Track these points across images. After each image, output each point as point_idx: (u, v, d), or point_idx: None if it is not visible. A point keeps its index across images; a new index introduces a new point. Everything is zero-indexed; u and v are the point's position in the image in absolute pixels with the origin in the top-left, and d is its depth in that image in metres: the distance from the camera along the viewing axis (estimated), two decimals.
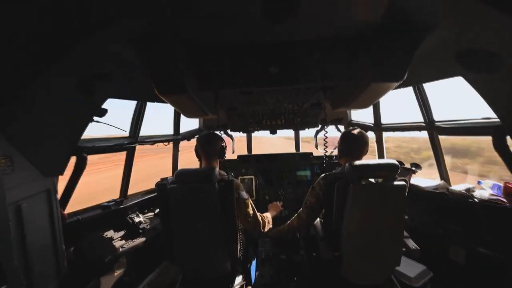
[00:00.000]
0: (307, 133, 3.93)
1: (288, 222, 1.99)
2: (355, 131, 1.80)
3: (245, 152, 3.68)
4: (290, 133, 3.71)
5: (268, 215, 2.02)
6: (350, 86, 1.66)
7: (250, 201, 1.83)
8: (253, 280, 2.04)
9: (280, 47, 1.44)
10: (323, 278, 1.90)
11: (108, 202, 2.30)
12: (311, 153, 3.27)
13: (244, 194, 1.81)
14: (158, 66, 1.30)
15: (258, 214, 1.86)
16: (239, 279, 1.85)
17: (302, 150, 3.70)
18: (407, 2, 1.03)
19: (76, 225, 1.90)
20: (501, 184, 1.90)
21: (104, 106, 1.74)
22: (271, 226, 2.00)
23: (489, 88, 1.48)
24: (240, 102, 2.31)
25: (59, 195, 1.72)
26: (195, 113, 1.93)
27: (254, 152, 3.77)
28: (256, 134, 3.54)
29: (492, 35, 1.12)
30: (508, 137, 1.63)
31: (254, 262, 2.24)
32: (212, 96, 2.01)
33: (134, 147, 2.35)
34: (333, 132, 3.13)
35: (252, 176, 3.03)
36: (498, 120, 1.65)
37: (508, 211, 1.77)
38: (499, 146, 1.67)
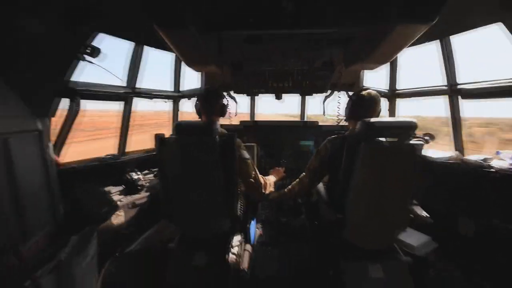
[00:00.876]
0: (312, 110, 3.76)
1: (289, 186, 1.91)
2: (365, 92, 1.67)
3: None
4: (295, 110, 3.54)
5: (270, 178, 1.95)
6: (372, 33, 1.47)
7: (251, 162, 1.74)
8: (252, 240, 2.00)
9: None
10: (324, 241, 1.86)
11: (106, 155, 2.23)
12: (317, 122, 3.13)
13: (245, 153, 1.71)
14: None
15: (260, 176, 1.78)
16: (238, 237, 1.81)
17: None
18: None
19: (71, 174, 1.84)
20: None
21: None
22: (272, 189, 1.93)
23: None
24: (245, 56, 2.13)
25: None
26: (197, 60, 1.77)
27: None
28: (260, 111, 3.38)
29: None
30: None
31: (253, 222, 2.20)
32: (216, 43, 1.83)
33: (132, 98, 2.22)
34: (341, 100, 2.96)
35: (254, 144, 2.92)
36: None
37: None
38: None
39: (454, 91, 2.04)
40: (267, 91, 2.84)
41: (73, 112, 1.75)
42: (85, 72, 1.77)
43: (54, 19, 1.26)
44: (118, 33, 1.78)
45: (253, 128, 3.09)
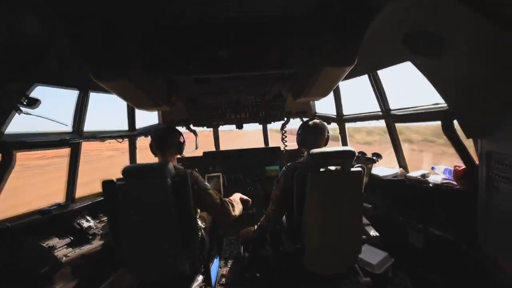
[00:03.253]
0: (278, 125, 3.88)
1: (258, 223, 1.93)
2: (311, 122, 1.83)
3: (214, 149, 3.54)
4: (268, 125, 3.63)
5: (235, 198, 1.95)
6: (306, 73, 1.63)
7: (213, 190, 1.73)
8: (213, 281, 1.92)
9: (231, 29, 1.36)
10: (287, 272, 1.85)
11: (50, 206, 2.05)
12: (279, 148, 3.23)
13: (206, 184, 1.71)
14: (92, 46, 1.13)
15: (224, 200, 1.77)
16: (198, 280, 1.73)
17: (273, 141, 3.66)
18: None
19: (5, 233, 1.65)
20: (451, 168, 1.98)
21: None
22: (241, 207, 1.93)
23: (436, 73, 1.52)
24: (198, 92, 2.19)
25: None
26: (145, 103, 1.77)
27: (230, 146, 3.64)
28: (228, 128, 3.41)
29: (438, 17, 1.13)
30: (455, 122, 1.70)
31: (216, 261, 2.13)
32: (164, 84, 1.86)
33: (79, 143, 2.11)
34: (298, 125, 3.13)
35: (220, 173, 2.91)
36: (445, 105, 1.72)
37: (457, 193, 1.85)
38: (447, 130, 1.74)
39: (388, 116, 2.27)
40: (226, 123, 2.90)
41: (5, 167, 1.61)
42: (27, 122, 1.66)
43: None
44: (59, 82, 1.73)
45: (217, 158, 3.08)
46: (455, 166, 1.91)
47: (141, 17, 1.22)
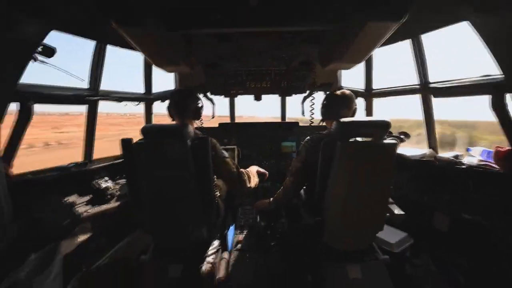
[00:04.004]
0: (293, 113, 3.73)
1: (275, 195, 1.88)
2: (339, 92, 1.69)
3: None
4: (278, 113, 3.50)
5: (251, 170, 1.91)
6: (343, 32, 1.45)
7: (230, 159, 1.68)
8: (229, 246, 1.93)
9: None
10: (304, 245, 1.82)
11: (68, 164, 2.05)
12: (297, 123, 3.11)
13: (223, 152, 1.65)
14: None
15: (241, 170, 1.72)
16: (215, 245, 1.73)
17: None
18: None
19: (26, 186, 1.66)
20: (491, 150, 1.82)
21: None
22: (257, 180, 1.89)
23: (497, 37, 1.32)
24: (218, 55, 2.04)
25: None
26: (165, 60, 1.66)
27: None
28: (245, 113, 3.31)
29: None
30: (508, 96, 1.52)
31: (232, 228, 2.13)
32: (184, 42, 1.73)
33: (96, 101, 2.05)
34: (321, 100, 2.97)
35: (235, 146, 2.85)
36: (498, 77, 1.52)
37: (496, 175, 1.71)
38: (498, 105, 1.55)
39: (426, 90, 2.07)
40: (245, 92, 2.77)
41: (23, 119, 1.58)
42: (41, 76, 1.61)
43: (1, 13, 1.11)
44: (76, 31, 1.62)
45: (232, 130, 3.01)
46: (497, 147, 1.74)
47: None
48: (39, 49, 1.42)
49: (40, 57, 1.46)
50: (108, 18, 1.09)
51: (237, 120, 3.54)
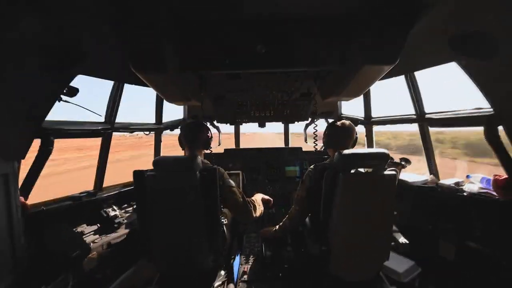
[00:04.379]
0: (298, 129, 3.83)
1: (280, 224, 1.91)
2: (339, 122, 1.78)
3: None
4: (281, 129, 3.62)
5: (257, 198, 1.95)
6: (342, 72, 1.58)
7: (237, 188, 1.74)
8: (235, 277, 1.92)
9: (268, 25, 1.34)
10: (310, 275, 1.81)
11: (80, 193, 2.12)
12: (300, 148, 3.19)
13: (230, 182, 1.71)
14: (134, 40, 1.17)
15: (247, 199, 1.77)
16: (221, 276, 1.73)
17: (292, 145, 3.62)
18: None
19: (40, 216, 1.72)
20: (490, 178, 1.87)
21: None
22: (262, 208, 1.92)
23: (483, 75, 1.43)
24: (227, 89, 2.19)
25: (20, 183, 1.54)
26: (178, 97, 1.79)
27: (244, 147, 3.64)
28: (248, 130, 3.44)
29: (486, 18, 1.07)
30: (500, 128, 1.60)
31: (237, 258, 2.12)
32: (197, 81, 1.88)
33: (110, 133, 2.17)
34: (322, 127, 3.07)
35: (239, 171, 2.91)
36: (490, 110, 1.62)
37: (497, 203, 1.74)
38: (491, 136, 1.64)
39: (422, 120, 2.17)
40: (250, 120, 2.90)
41: (44, 153, 1.68)
42: (61, 110, 1.74)
43: (35, 62, 1.25)
44: (98, 74, 1.79)
45: (237, 156, 3.09)
46: (495, 175, 1.79)
47: (180, 14, 1.24)
48: (64, 90, 1.56)
49: (63, 97, 1.60)
50: (131, 65, 1.23)
51: (240, 137, 3.64)
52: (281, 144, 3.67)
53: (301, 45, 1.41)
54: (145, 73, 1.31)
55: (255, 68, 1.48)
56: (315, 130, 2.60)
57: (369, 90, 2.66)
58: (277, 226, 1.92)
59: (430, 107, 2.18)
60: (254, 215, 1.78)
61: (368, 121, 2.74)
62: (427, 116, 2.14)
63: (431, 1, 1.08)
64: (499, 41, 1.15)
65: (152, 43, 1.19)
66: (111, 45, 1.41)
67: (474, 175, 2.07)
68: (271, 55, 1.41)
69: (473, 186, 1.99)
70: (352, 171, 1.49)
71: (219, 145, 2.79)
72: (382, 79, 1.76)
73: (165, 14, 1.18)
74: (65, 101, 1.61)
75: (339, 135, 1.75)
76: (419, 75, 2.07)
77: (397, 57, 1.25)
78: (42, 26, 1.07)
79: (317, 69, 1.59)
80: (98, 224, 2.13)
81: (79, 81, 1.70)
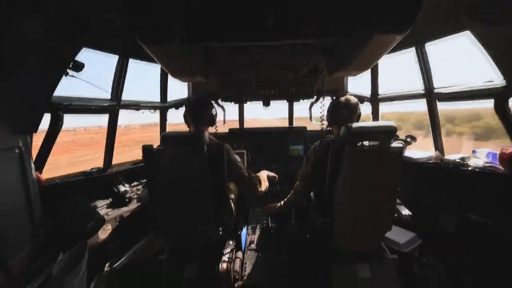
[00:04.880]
0: (301, 113, 3.80)
1: (285, 199, 1.95)
2: (343, 98, 1.76)
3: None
4: (285, 113, 3.59)
5: (262, 174, 2.00)
6: (350, 44, 1.54)
7: (242, 164, 1.77)
8: (243, 246, 2.01)
9: None
10: (314, 245, 1.89)
11: (91, 169, 2.18)
12: (305, 128, 3.19)
13: (236, 157, 1.75)
14: (139, 11, 1.15)
15: (252, 175, 1.82)
16: (229, 245, 1.81)
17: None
18: None
19: (54, 190, 1.79)
20: (497, 152, 1.87)
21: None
22: (267, 184, 1.97)
23: (497, 45, 1.39)
24: (232, 65, 2.16)
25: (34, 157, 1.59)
26: (183, 72, 1.78)
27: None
28: (249, 116, 3.42)
29: None
30: (510, 101, 1.58)
31: (244, 229, 2.21)
32: (202, 56, 1.85)
33: (117, 110, 2.19)
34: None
35: (244, 151, 2.94)
36: (500, 84, 1.59)
37: (501, 176, 1.75)
38: (501, 109, 1.62)
39: (431, 95, 2.14)
40: (254, 99, 2.88)
41: (55, 127, 1.71)
42: (68, 86, 1.75)
43: (41, 32, 1.24)
44: (103, 47, 1.77)
45: (242, 136, 3.11)
46: (502, 149, 1.79)
47: None
48: (70, 64, 1.56)
49: (70, 72, 1.60)
50: (137, 37, 1.21)
51: (247, 123, 3.65)
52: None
53: (310, 15, 1.37)
54: (151, 45, 1.29)
55: (262, 40, 1.44)
56: (322, 110, 2.58)
57: (376, 65, 2.60)
58: (282, 202, 1.98)
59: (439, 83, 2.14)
60: (260, 190, 1.83)
61: (375, 98, 2.70)
62: (435, 91, 2.10)
63: None
64: None
65: (158, 14, 1.17)
66: (116, 17, 1.39)
67: (480, 150, 2.07)
68: (279, 26, 1.37)
69: (478, 160, 1.99)
70: (358, 144, 1.50)
71: (224, 123, 2.80)
72: (391, 51, 1.72)
73: None
74: (72, 76, 1.61)
75: (344, 110, 1.74)
76: (429, 49, 2.00)
77: (410, 25, 1.20)
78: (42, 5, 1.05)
79: (327, 40, 1.54)
80: (110, 199, 2.22)
81: (85, 57, 1.69)
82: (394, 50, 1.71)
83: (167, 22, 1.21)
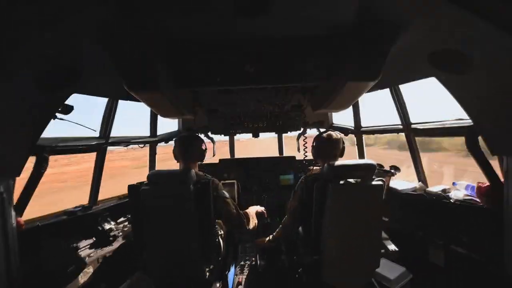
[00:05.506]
0: (294, 132, 3.89)
1: (274, 233, 1.95)
2: (325, 134, 1.84)
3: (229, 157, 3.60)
4: (274, 135, 3.67)
5: (250, 211, 1.98)
6: (328, 86, 1.65)
7: (231, 200, 1.77)
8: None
9: (257, 45, 1.41)
10: (304, 283, 1.84)
11: (75, 207, 2.13)
12: (294, 157, 3.25)
13: (224, 193, 1.75)
14: (127, 60, 1.22)
15: (241, 212, 1.81)
16: (216, 286, 1.75)
17: (289, 148, 3.69)
18: (377, 2, 1.03)
19: (35, 233, 1.73)
20: (474, 185, 1.94)
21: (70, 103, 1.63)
22: (256, 221, 1.95)
23: (461, 89, 1.52)
24: (219, 102, 2.25)
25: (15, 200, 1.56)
26: (171, 112, 1.84)
27: (243, 154, 3.70)
28: (243, 136, 3.48)
29: (462, 35, 1.14)
30: (480, 138, 1.68)
31: (232, 269, 2.14)
32: (189, 95, 1.94)
33: (105, 148, 2.21)
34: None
35: (234, 181, 2.95)
36: (469, 122, 1.70)
37: (481, 210, 1.81)
38: (472, 146, 1.72)
39: (408, 130, 2.26)
40: (243, 131, 2.96)
41: (39, 169, 1.71)
42: (56, 127, 1.77)
43: (30, 82, 1.28)
44: (94, 93, 1.84)
45: (232, 165, 3.14)
46: (479, 183, 1.87)
47: (170, 36, 1.29)
48: (59, 108, 1.60)
49: (59, 115, 1.64)
50: (125, 84, 1.27)
51: (241, 143, 3.68)
52: (276, 149, 3.73)
53: (288, 64, 1.48)
54: (138, 91, 1.36)
55: (245, 85, 1.54)
56: (304, 142, 2.68)
57: (357, 101, 2.75)
58: (271, 236, 1.96)
59: (416, 116, 2.27)
60: (248, 228, 1.81)
61: (358, 131, 2.82)
62: (412, 126, 2.22)
63: (409, 20, 1.15)
64: (474, 58, 1.23)
65: (144, 63, 1.24)
66: (105, 65, 1.46)
67: (459, 182, 2.15)
68: (260, 72, 1.48)
69: (458, 192, 2.06)
70: (341, 182, 1.55)
71: (213, 155, 2.83)
72: (369, 91, 1.85)
73: (157, 35, 1.23)
74: (61, 119, 1.64)
75: (326, 147, 1.82)
76: (405, 87, 2.16)
77: (379, 74, 1.32)
78: (35, 47, 1.11)
79: (303, 85, 1.66)
80: (94, 238, 2.14)
81: (74, 98, 1.73)
82: (370, 90, 1.85)
83: (152, 71, 1.28)
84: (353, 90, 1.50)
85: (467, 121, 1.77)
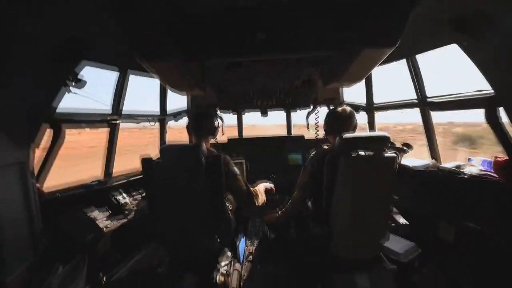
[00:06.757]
0: (299, 120, 3.84)
1: (283, 209, 1.97)
2: (339, 109, 1.80)
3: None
4: (284, 120, 3.63)
5: (259, 187, 2.00)
6: (342, 56, 1.59)
7: (241, 177, 1.79)
8: (241, 258, 2.01)
9: (268, 11, 1.35)
10: (313, 255, 1.89)
11: (92, 182, 2.21)
12: (303, 136, 3.23)
13: (236, 170, 1.77)
14: (137, 31, 1.21)
15: (250, 188, 1.83)
16: (227, 256, 1.82)
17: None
18: None
19: (55, 203, 1.82)
20: (491, 160, 1.89)
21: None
22: (264, 198, 1.98)
23: (484, 56, 1.43)
24: (228, 78, 2.22)
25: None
26: (181, 85, 1.83)
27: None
28: (248, 122, 3.45)
29: None
30: (501, 109, 1.61)
31: (243, 240, 2.21)
32: (199, 70, 1.92)
33: (118, 123, 2.24)
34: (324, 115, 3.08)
35: (243, 160, 2.97)
36: (490, 92, 1.62)
37: (496, 185, 1.77)
38: (491, 118, 1.65)
39: (424, 104, 2.18)
40: (252, 108, 2.94)
41: (57, 141, 1.76)
42: (70, 99, 1.81)
43: (42, 50, 1.29)
44: (103, 62, 1.84)
45: (241, 145, 3.15)
46: (496, 157, 1.81)
47: (179, 6, 1.25)
48: (72, 81, 1.62)
49: (72, 89, 1.66)
50: (136, 54, 1.27)
51: (247, 129, 3.68)
52: (282, 134, 3.70)
53: (300, 30, 1.42)
54: (149, 62, 1.35)
55: (255, 55, 1.50)
56: (316, 119, 2.63)
57: (370, 75, 2.66)
58: (280, 211, 1.99)
59: (432, 92, 2.18)
60: (257, 204, 1.84)
61: (370, 108, 2.74)
62: (428, 100, 2.14)
63: None
64: (498, 22, 1.15)
65: (154, 34, 1.23)
66: (116, 35, 1.45)
67: (475, 158, 2.09)
68: (271, 41, 1.43)
69: (473, 168, 2.01)
70: (353, 154, 1.53)
71: (222, 134, 2.84)
72: (383, 63, 1.77)
73: (164, 6, 1.20)
74: (75, 92, 1.67)
75: (340, 121, 1.77)
76: (421, 58, 2.06)
77: (398, 39, 1.25)
78: (45, 19, 1.11)
79: (317, 54, 1.59)
80: (110, 211, 2.24)
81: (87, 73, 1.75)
82: (385, 62, 1.77)
83: (164, 40, 1.26)
84: (369, 58, 1.44)
85: (487, 92, 1.69)
